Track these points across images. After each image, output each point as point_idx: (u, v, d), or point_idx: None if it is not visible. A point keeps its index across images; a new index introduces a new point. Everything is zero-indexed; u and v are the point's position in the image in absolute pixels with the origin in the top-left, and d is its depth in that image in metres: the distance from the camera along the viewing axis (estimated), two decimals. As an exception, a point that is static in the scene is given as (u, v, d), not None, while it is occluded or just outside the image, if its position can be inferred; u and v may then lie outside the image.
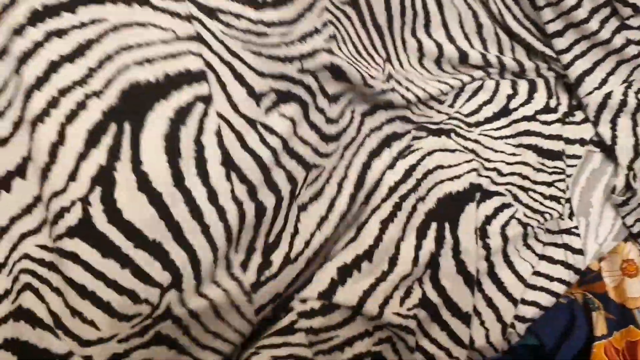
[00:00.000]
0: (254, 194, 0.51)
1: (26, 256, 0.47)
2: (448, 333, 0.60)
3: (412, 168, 0.63)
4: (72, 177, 0.44)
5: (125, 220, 0.45)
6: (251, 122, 0.51)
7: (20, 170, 0.46)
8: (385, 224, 0.60)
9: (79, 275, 0.45)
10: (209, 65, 0.48)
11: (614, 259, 0.71)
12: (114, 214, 0.45)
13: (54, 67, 0.44)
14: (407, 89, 0.66)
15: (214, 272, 0.51)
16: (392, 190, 0.61)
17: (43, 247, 0.47)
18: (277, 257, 0.55)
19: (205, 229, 0.48)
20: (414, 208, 0.60)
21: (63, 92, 0.44)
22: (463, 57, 0.71)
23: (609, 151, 0.73)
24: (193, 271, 0.49)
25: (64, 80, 0.44)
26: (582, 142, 0.71)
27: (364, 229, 0.60)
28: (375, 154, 0.63)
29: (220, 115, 0.49)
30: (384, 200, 0.61)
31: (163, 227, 0.47)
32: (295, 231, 0.56)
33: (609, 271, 0.70)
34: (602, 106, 0.72)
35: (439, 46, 0.71)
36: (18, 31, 0.43)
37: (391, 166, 0.64)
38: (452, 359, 0.60)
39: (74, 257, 0.45)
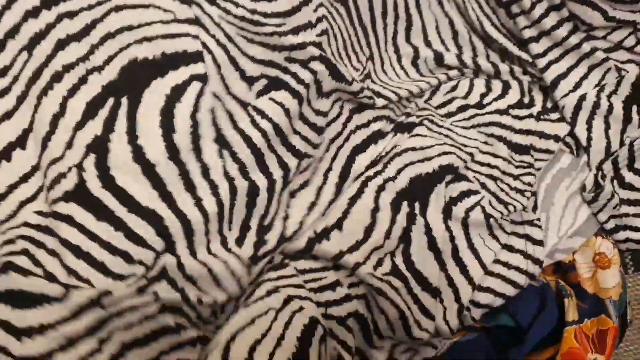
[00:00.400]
0: (246, 173, 0.55)
1: (25, 224, 0.48)
2: (419, 307, 0.64)
3: (382, 152, 0.68)
4: (69, 145, 0.49)
5: (118, 187, 0.49)
6: (242, 104, 0.56)
7: (21, 141, 0.50)
8: (353, 200, 0.63)
9: (74, 236, 0.47)
10: (205, 46, 0.53)
11: (587, 252, 0.74)
12: (107, 181, 0.48)
13: (61, 44, 0.50)
14: (385, 88, 0.71)
15: (208, 242, 0.54)
16: (363, 171, 0.66)
17: (39, 212, 0.49)
18: (272, 237, 0.58)
19: (198, 202, 0.52)
20: (382, 187, 0.64)
21: (67, 67, 0.49)
22: (438, 58, 0.76)
23: (577, 153, 0.77)
24: (186, 239, 0.52)
25: (69, 57, 0.49)
26: (557, 138, 0.75)
27: (333, 206, 0.63)
28: (360, 149, 0.67)
29: (215, 95, 0.54)
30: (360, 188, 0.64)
31: (156, 196, 0.50)
32: (287, 215, 0.61)
33: (583, 263, 0.74)
34: (577, 108, 0.76)
35: (415, 49, 0.76)
36: (32, 13, 0.50)
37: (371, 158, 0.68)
38: (422, 331, 0.64)
39: (69, 220, 0.48)
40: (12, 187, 0.49)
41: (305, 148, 0.62)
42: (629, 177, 0.77)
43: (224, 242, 0.56)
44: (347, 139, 0.67)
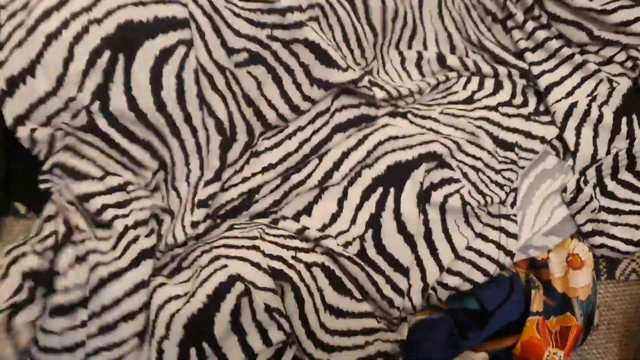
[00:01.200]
0: (222, 130, 0.63)
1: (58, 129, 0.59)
2: (392, 287, 0.68)
3: (365, 137, 0.71)
4: (80, 88, 0.56)
5: (121, 125, 0.59)
6: (221, 68, 0.63)
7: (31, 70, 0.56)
8: (324, 186, 0.69)
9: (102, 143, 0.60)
10: (192, 15, 0.59)
11: (561, 252, 0.77)
12: (111, 120, 0.58)
13: None
14: (387, 83, 0.74)
15: (187, 174, 0.64)
16: (343, 157, 0.70)
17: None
18: (233, 192, 0.67)
19: (182, 143, 0.63)
20: (358, 174, 0.69)
21: (73, 15, 0.55)
22: (441, 60, 0.79)
23: (563, 156, 0.80)
24: (172, 166, 0.64)
25: (75, 5, 0.55)
26: (543, 140, 0.78)
27: (306, 184, 0.68)
28: (341, 128, 0.71)
29: (197, 59, 0.60)
30: (333, 166, 0.69)
31: (151, 133, 0.60)
32: (240, 169, 0.67)
33: (556, 262, 0.76)
34: (568, 114, 0.79)
35: (418, 52, 0.79)
36: None
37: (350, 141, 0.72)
38: (393, 309, 0.67)
39: (89, 143, 0.59)
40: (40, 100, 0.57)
41: (276, 122, 0.68)
42: (611, 185, 0.80)
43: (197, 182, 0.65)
44: (332, 115, 0.71)
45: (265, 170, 0.67)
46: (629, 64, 0.81)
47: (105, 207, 0.58)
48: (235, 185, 0.66)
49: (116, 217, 0.58)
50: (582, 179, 0.78)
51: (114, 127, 0.59)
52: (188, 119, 0.61)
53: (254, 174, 0.67)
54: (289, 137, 0.69)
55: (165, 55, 0.58)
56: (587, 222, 0.77)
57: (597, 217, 0.77)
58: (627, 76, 0.81)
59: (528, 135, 0.77)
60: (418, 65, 0.80)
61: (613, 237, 0.78)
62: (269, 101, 0.67)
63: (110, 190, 0.59)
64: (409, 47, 0.80)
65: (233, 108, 0.64)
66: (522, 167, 0.77)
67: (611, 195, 0.80)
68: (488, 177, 0.74)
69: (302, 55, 0.65)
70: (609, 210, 0.79)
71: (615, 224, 0.79)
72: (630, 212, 0.79)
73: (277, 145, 0.68)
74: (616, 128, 0.79)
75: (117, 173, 0.60)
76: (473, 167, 0.74)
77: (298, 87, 0.67)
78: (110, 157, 0.60)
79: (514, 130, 0.77)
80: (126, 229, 0.58)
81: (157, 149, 0.62)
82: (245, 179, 0.67)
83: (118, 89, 0.57)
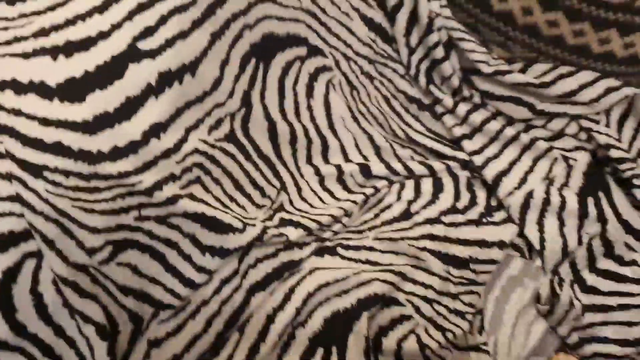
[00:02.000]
0: (104, 334, 0.51)
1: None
2: None
3: (291, 291, 0.59)
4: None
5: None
6: (84, 269, 0.50)
7: None
8: (253, 353, 0.56)
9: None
10: (32, 225, 0.47)
11: (550, 372, 0.64)
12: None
13: None
14: (303, 217, 0.63)
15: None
16: (268, 322, 0.57)
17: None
18: None
19: None
20: (291, 336, 0.57)
21: None
22: (365, 170, 0.68)
23: (529, 255, 0.68)
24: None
25: None
26: (502, 245, 0.66)
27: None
28: (260, 286, 0.59)
29: (52, 269, 0.48)
30: (258, 337, 0.57)
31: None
32: None
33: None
34: (525, 207, 0.68)
35: (338, 167, 0.68)
36: None
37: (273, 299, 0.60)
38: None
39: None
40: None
41: (169, 300, 0.55)
42: (591, 279, 0.67)
43: None
44: (245, 275, 0.59)
45: None
46: (583, 135, 0.70)
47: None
48: None
49: None
50: (556, 279, 0.66)
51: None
52: (59, 332, 0.49)
53: None
54: (192, 316, 0.56)
55: (12, 272, 0.46)
56: (572, 332, 0.65)
57: (582, 323, 0.65)
58: (583, 149, 0.70)
59: (482, 244, 0.65)
60: (340, 180, 0.68)
61: (605, 340, 0.66)
62: (153, 279, 0.54)
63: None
64: (326, 161, 0.68)
65: (107, 301, 0.52)
66: (483, 284, 0.65)
67: (594, 291, 0.67)
68: (445, 306, 0.62)
69: (185, 226, 0.53)
70: (595, 309, 0.67)
71: (605, 324, 0.66)
72: (620, 307, 0.67)
73: (180, 328, 0.56)
74: (583, 212, 0.68)
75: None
76: (425, 299, 0.62)
77: (186, 258, 0.55)
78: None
79: (465, 243, 0.65)
80: None
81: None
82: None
83: None
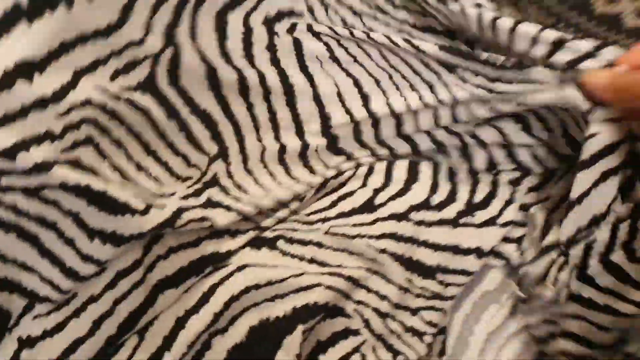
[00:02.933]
0: None
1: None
2: None
3: (211, 291, 0.47)
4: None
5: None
6: None
7: None
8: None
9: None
10: None
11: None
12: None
13: None
14: (237, 200, 0.50)
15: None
16: (177, 326, 0.45)
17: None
18: None
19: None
20: (207, 346, 0.45)
21: None
22: (334, 144, 0.55)
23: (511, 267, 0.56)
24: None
25: None
26: (479, 253, 0.54)
27: None
28: (170, 282, 0.47)
29: None
30: (163, 343, 0.45)
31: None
32: None
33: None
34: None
35: (304, 140, 0.55)
36: None
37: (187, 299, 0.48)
38: None
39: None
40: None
41: (49, 294, 0.44)
42: (593, 269, 0.54)
43: None
44: (151, 268, 0.46)
45: None
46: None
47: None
48: None
49: None
50: (560, 260, 0.53)
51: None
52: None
53: None
54: (76, 313, 0.44)
55: None
56: (542, 324, 0.53)
57: (557, 312, 0.53)
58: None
59: (456, 250, 0.53)
60: (303, 156, 0.55)
61: (573, 337, 0.54)
62: (24, 264, 0.42)
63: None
64: (298, 131, 0.54)
65: None
66: (450, 298, 0.53)
67: (589, 282, 0.53)
68: (400, 322, 0.51)
69: (65, 202, 0.40)
70: (582, 302, 0.54)
71: (581, 318, 0.54)
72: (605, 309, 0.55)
73: (59, 327, 0.44)
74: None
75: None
76: (377, 311, 0.51)
77: (68, 242, 0.42)
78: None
79: (435, 247, 0.53)
80: None
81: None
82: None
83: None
